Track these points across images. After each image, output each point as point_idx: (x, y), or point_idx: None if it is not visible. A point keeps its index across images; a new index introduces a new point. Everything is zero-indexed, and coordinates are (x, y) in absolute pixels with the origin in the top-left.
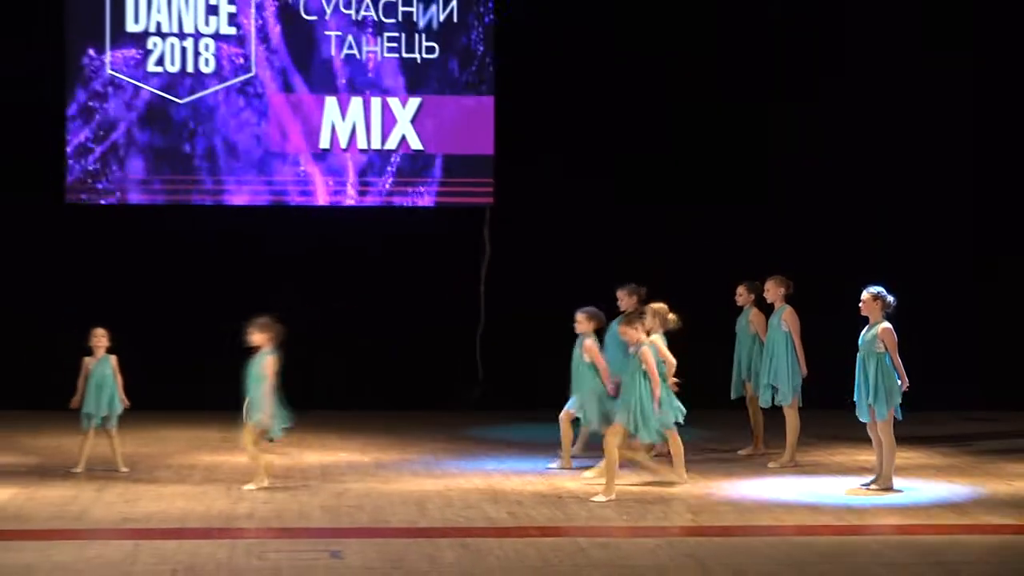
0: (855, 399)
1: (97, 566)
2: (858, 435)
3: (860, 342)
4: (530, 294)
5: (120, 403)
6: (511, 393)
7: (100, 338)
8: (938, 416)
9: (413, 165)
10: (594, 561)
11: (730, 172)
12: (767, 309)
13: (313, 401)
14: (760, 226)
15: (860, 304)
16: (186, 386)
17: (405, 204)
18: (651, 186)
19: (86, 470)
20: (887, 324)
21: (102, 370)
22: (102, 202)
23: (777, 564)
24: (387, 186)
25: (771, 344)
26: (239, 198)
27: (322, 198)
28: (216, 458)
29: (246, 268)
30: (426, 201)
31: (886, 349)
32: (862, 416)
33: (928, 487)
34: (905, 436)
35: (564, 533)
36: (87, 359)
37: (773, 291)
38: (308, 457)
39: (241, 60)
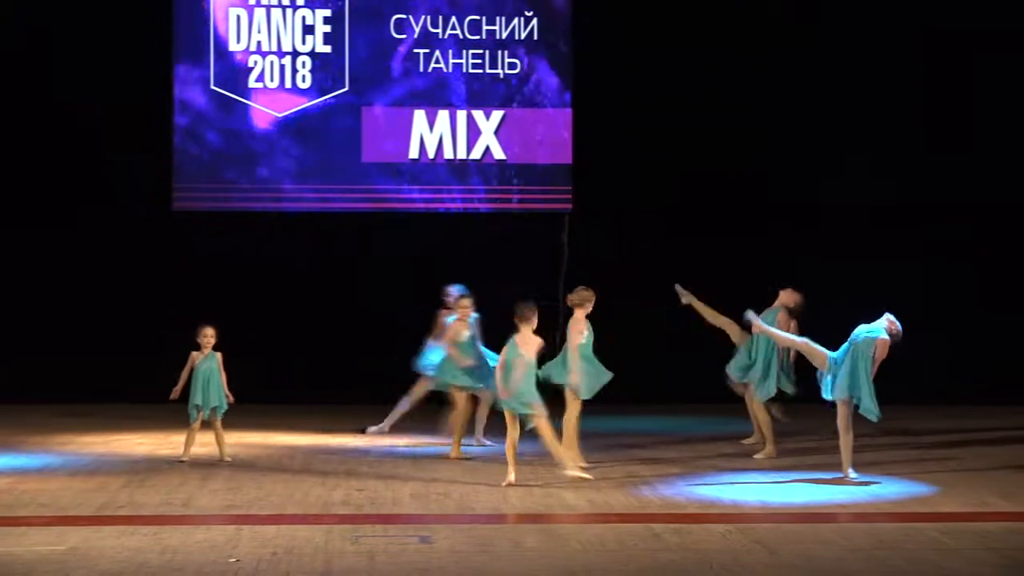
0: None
1: (203, 549)
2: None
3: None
4: (605, 296)
5: (225, 398)
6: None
7: (209, 336)
8: (998, 411)
9: (496, 174)
10: (668, 546)
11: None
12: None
13: (395, 396)
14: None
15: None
16: (289, 381)
17: (489, 211)
18: (722, 196)
19: (191, 460)
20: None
21: (208, 365)
22: (205, 209)
23: (843, 550)
24: (472, 194)
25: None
26: (332, 206)
27: (410, 206)
28: (313, 447)
29: (337, 273)
30: (508, 208)
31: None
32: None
33: (983, 477)
34: (965, 429)
35: (640, 520)
36: (194, 354)
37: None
38: (399, 447)
39: (336, 76)
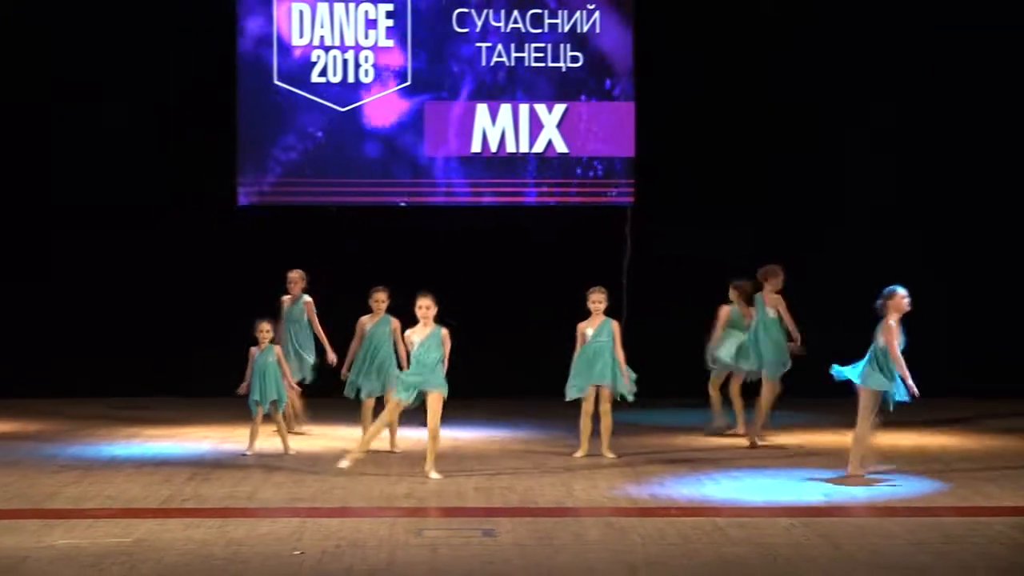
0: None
1: (268, 542)
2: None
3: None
4: (668, 288)
5: (286, 391)
6: (649, 382)
7: (264, 331)
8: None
9: (558, 167)
10: (732, 539)
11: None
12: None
13: (470, 389)
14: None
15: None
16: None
17: (551, 204)
18: (781, 188)
19: (255, 453)
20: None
21: (266, 360)
22: (269, 203)
23: (908, 544)
24: (534, 187)
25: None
26: (394, 200)
27: (474, 199)
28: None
29: (399, 267)
30: (571, 201)
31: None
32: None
33: None
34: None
35: (703, 513)
36: (252, 349)
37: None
38: (462, 441)
39: (398, 70)
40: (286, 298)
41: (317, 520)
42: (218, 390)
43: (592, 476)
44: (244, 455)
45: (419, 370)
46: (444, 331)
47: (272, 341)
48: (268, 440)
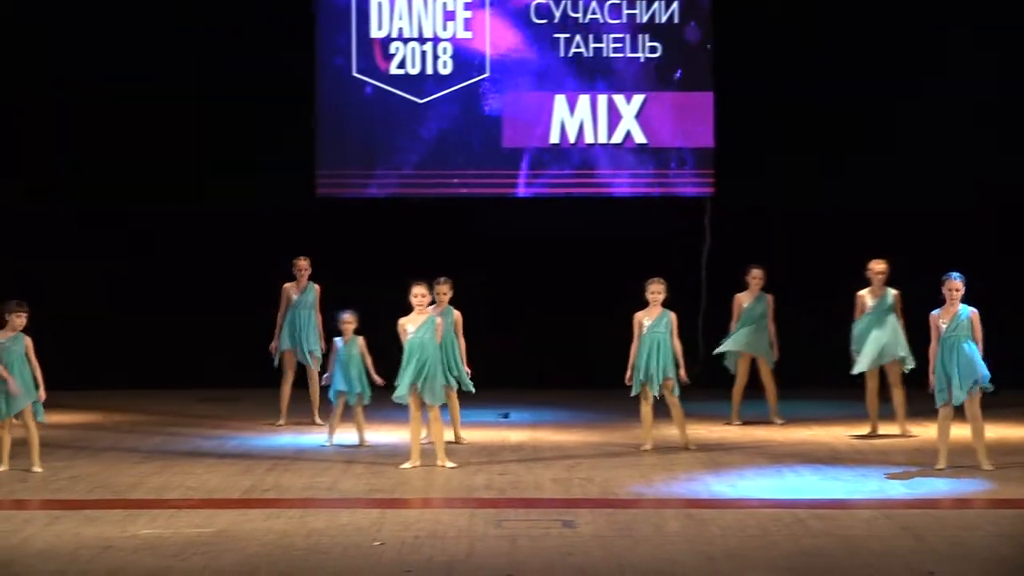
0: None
1: (348, 532)
2: None
3: (954, 327)
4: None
5: (368, 384)
6: (725, 372)
7: (348, 322)
8: None
9: (637, 158)
10: (812, 531)
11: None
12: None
13: (544, 381)
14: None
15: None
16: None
17: (630, 195)
18: (862, 176)
19: (334, 445)
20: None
21: (349, 351)
22: (347, 195)
23: (991, 536)
24: (613, 178)
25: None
26: (473, 192)
27: (552, 191)
28: (462, 434)
29: (476, 258)
30: (649, 192)
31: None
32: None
33: None
34: None
35: (783, 505)
36: (335, 340)
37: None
38: (540, 432)
39: (476, 62)
40: (290, 285)
41: (397, 511)
42: (300, 381)
43: (671, 467)
44: (324, 447)
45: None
46: (438, 320)
47: (356, 332)
48: (351, 431)
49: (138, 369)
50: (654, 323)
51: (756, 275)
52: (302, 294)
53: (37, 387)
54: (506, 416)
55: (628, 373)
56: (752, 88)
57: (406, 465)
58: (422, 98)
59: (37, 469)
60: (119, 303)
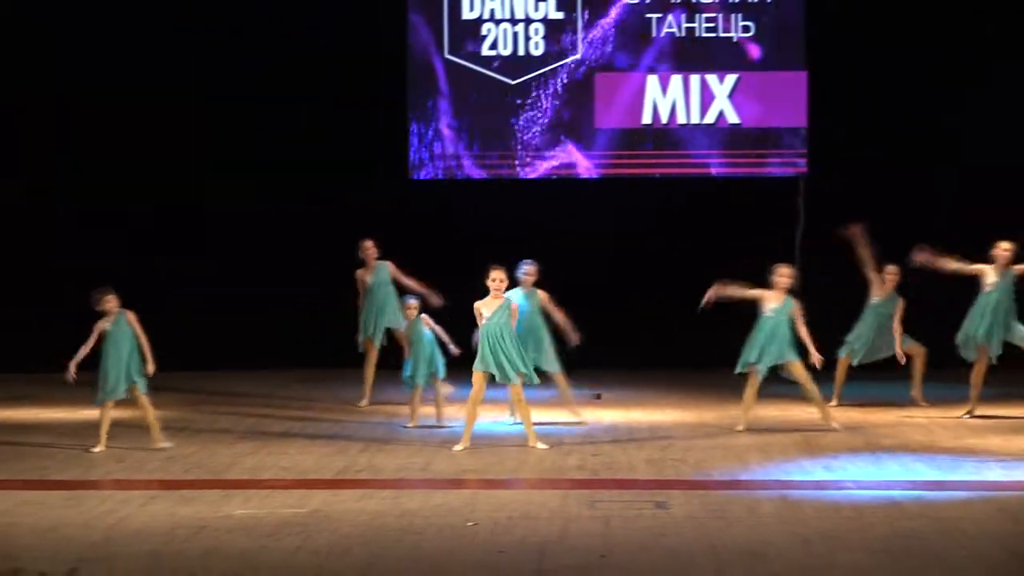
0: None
1: (441, 513)
2: None
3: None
4: (842, 262)
5: (446, 353)
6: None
7: (411, 308)
8: None
9: (730, 138)
10: (907, 513)
11: None
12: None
13: (633, 361)
14: None
15: None
16: None
17: (723, 175)
18: (958, 158)
19: (418, 426)
20: None
21: (415, 333)
22: (440, 177)
23: None
24: (706, 159)
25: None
26: (565, 172)
27: (643, 172)
28: (546, 416)
29: (567, 240)
30: (742, 172)
31: None
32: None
33: None
34: None
35: (878, 487)
36: (403, 326)
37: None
38: (634, 413)
39: (568, 42)
40: (362, 271)
41: (489, 492)
42: (395, 363)
43: (766, 449)
44: (406, 427)
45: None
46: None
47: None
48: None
49: (236, 349)
50: (778, 308)
51: (891, 271)
52: (375, 275)
53: (145, 361)
54: (598, 397)
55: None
56: (847, 66)
57: (458, 447)
58: (514, 79)
59: (164, 445)
60: (217, 283)
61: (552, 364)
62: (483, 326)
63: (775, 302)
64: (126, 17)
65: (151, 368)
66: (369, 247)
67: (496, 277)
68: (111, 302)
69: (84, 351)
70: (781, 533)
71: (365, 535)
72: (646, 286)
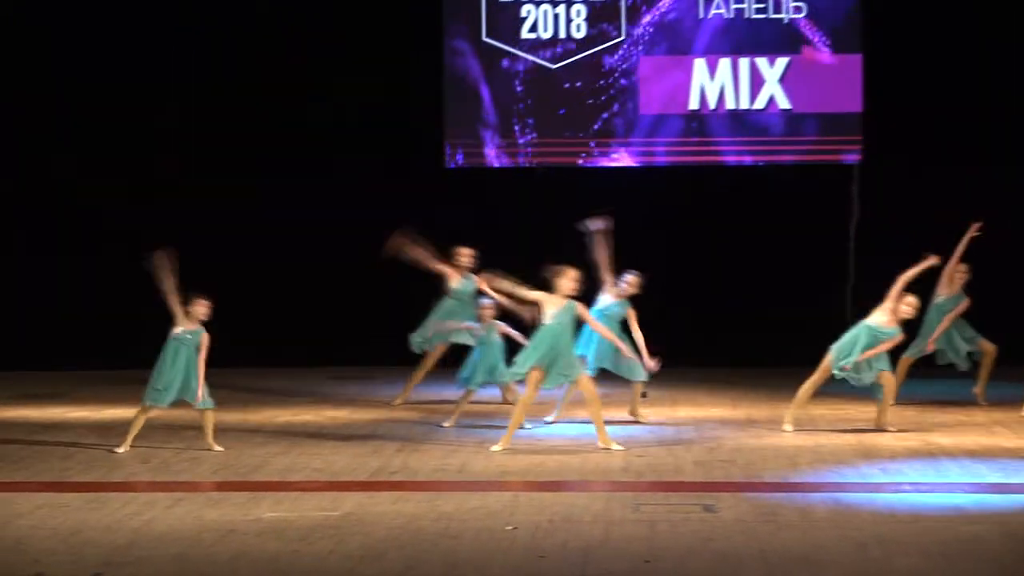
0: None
1: (479, 516)
2: None
3: None
4: (898, 251)
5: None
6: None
7: (487, 309)
8: None
9: (781, 124)
10: (967, 517)
11: None
12: None
13: (680, 358)
14: None
15: None
16: None
17: (774, 163)
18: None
19: (457, 426)
20: None
21: (488, 338)
22: (476, 165)
23: None
24: (755, 146)
25: None
26: (606, 160)
27: (693, 160)
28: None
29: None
30: (794, 160)
31: None
32: None
33: None
34: None
35: (936, 490)
36: (475, 327)
37: None
38: (680, 412)
39: (611, 25)
40: (451, 271)
41: (530, 494)
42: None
43: (818, 450)
44: (443, 426)
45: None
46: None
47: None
48: (465, 417)
49: (266, 344)
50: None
51: (961, 269)
52: (461, 284)
53: (195, 386)
54: (644, 395)
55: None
56: (903, 48)
57: (496, 448)
58: (555, 63)
59: (217, 448)
60: (245, 279)
61: (637, 373)
62: (547, 326)
63: None
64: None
65: (199, 396)
66: (466, 254)
67: (577, 279)
68: (203, 309)
69: (169, 289)
70: (834, 538)
71: (400, 539)
72: (693, 279)
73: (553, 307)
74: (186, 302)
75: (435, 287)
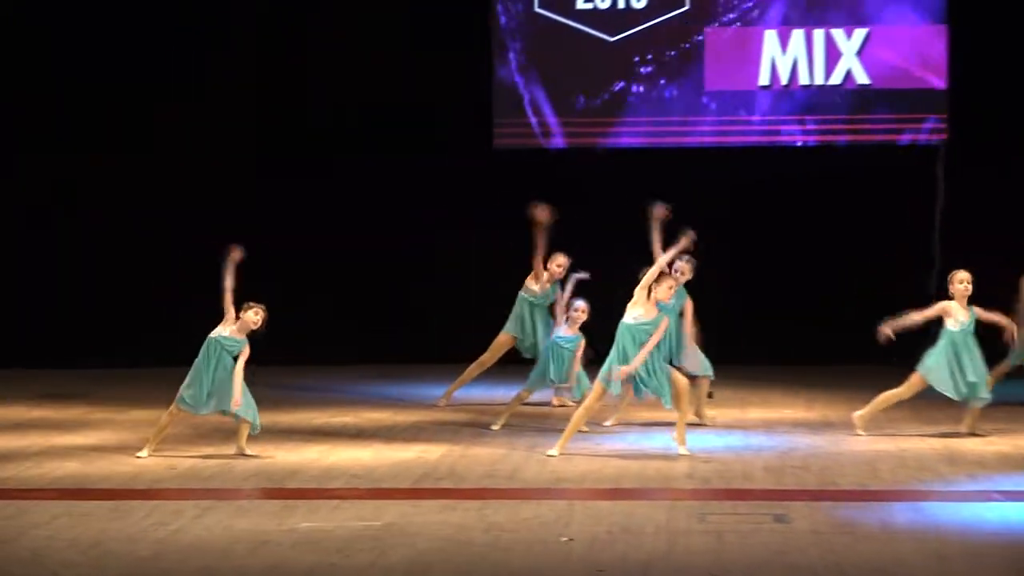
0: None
1: (532, 526)
2: None
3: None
4: (987, 236)
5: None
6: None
7: (581, 311)
8: None
9: (858, 101)
10: None
11: None
12: None
13: (752, 355)
14: None
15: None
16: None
17: (851, 142)
18: None
19: (504, 428)
20: None
21: (570, 345)
22: (526, 146)
23: None
24: (832, 124)
25: None
26: (670, 139)
27: (762, 140)
28: (652, 415)
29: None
30: (873, 139)
31: None
32: None
33: None
34: None
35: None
36: (557, 328)
37: None
38: (750, 413)
39: None
40: (541, 276)
41: (586, 503)
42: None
43: (900, 455)
44: (491, 429)
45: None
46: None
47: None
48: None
49: (303, 340)
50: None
51: None
52: (548, 291)
53: (234, 394)
54: (710, 396)
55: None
56: (993, 18)
57: (551, 452)
58: (613, 36)
59: (249, 453)
60: (279, 269)
61: (703, 367)
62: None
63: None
64: None
65: (237, 401)
66: (561, 263)
67: (673, 287)
68: (258, 318)
69: (229, 287)
70: (916, 551)
71: (446, 551)
72: (763, 269)
73: (648, 315)
74: (239, 307)
75: (480, 283)
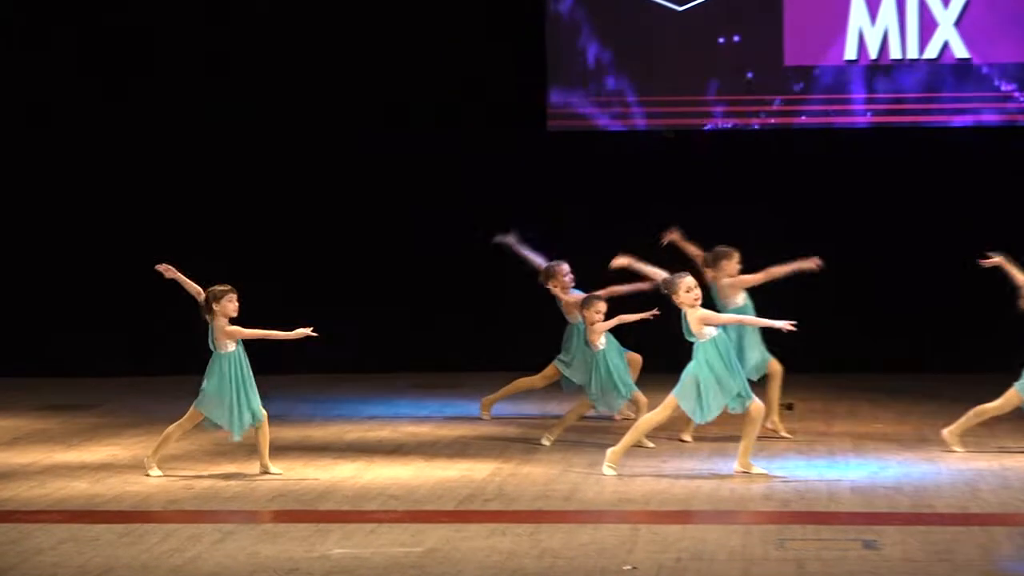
0: None
1: (590, 553)
2: None
3: None
4: None
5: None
6: None
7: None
8: None
9: (959, 76)
10: None
11: None
12: None
13: (838, 363)
14: None
15: None
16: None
17: (948, 123)
18: None
19: (556, 442)
20: None
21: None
22: (583, 128)
23: None
24: (927, 103)
25: None
26: (746, 122)
27: (849, 120)
28: (726, 430)
29: (744, 205)
30: (975, 120)
31: None
32: None
33: None
34: None
35: None
36: (597, 341)
37: None
38: (835, 427)
39: None
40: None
41: (652, 527)
42: (530, 364)
43: (1003, 474)
44: (542, 444)
45: None
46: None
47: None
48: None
49: (333, 348)
50: None
51: None
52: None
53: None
54: (790, 407)
55: None
56: None
57: (609, 469)
58: (681, 5)
59: (275, 471)
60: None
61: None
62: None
63: None
64: None
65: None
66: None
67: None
68: (234, 303)
69: (191, 289)
70: None
71: None
72: (853, 266)
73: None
74: (209, 305)
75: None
